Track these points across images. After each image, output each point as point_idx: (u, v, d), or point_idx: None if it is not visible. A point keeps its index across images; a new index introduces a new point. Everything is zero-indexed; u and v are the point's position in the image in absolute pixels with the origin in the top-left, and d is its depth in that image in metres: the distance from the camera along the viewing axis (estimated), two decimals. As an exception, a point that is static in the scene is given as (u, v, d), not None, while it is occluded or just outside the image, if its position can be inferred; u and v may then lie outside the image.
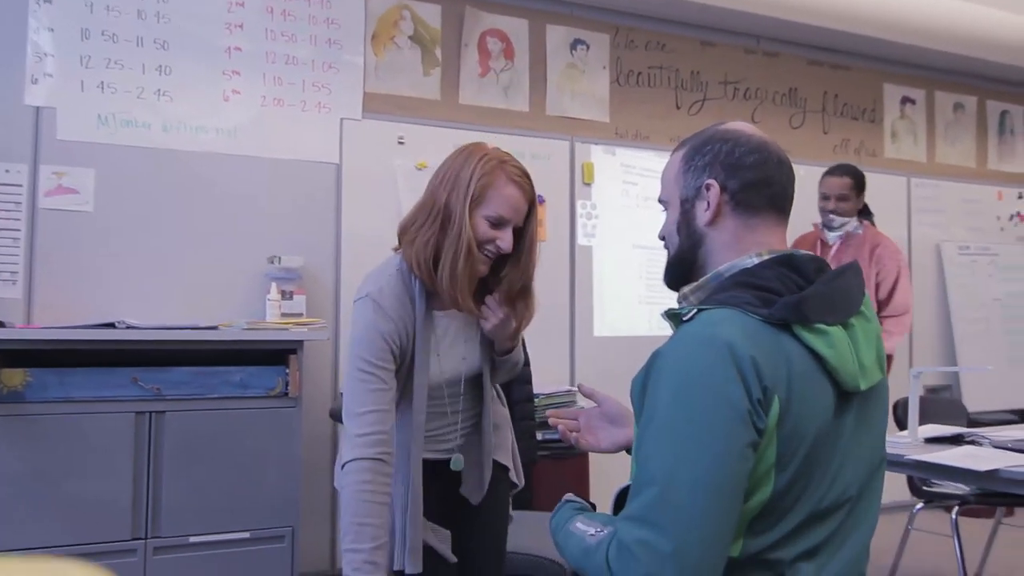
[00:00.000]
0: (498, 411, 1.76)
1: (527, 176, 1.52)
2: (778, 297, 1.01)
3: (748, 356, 0.95)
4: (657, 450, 0.97)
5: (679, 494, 0.94)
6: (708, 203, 1.12)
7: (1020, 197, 4.95)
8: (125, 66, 2.96)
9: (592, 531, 1.05)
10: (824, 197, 3.27)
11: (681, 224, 1.16)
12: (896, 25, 4.08)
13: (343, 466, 1.48)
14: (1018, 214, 4.94)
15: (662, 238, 1.21)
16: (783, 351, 0.98)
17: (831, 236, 3.29)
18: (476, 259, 1.47)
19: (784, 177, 1.13)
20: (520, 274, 1.54)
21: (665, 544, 0.92)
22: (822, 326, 1.01)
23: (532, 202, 1.53)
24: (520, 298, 1.57)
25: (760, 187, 1.11)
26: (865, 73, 4.49)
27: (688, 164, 1.15)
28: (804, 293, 1.02)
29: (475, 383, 1.67)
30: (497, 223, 1.48)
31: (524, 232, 1.54)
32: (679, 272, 1.18)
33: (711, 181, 1.12)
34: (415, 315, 1.54)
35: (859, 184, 3.25)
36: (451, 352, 1.62)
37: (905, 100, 4.61)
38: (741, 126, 1.15)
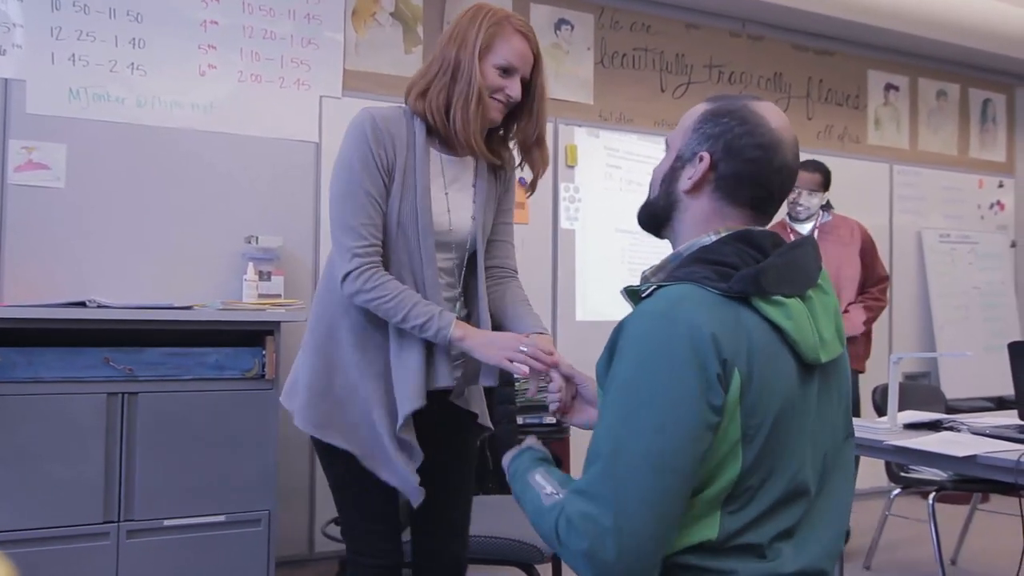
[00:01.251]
0: None
1: (531, 30, 1.57)
2: (735, 271, 1.02)
3: (706, 331, 0.95)
4: (609, 425, 0.98)
5: (624, 470, 0.94)
6: (694, 173, 1.11)
7: (1000, 186, 4.98)
8: (97, 38, 2.88)
9: (548, 490, 1.06)
10: (794, 191, 3.32)
11: (667, 176, 1.17)
12: (881, 11, 4.07)
13: (343, 279, 1.48)
14: (998, 203, 4.97)
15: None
16: (742, 324, 0.99)
17: (804, 228, 3.37)
18: (487, 105, 1.52)
19: (777, 184, 1.10)
20: (534, 124, 1.59)
21: (606, 519, 0.92)
22: (780, 298, 1.02)
23: (537, 54, 1.57)
24: (536, 147, 1.61)
25: (747, 183, 1.09)
26: (849, 59, 4.49)
27: (701, 124, 1.13)
28: (761, 265, 1.02)
29: (471, 264, 1.64)
30: (506, 70, 1.52)
31: (533, 84, 1.57)
32: (645, 217, 1.20)
33: (705, 154, 1.10)
34: (414, 146, 1.54)
35: (827, 181, 3.36)
36: (461, 203, 1.61)
37: (889, 87, 4.61)
38: (768, 114, 1.10)
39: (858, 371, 3.32)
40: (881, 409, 2.84)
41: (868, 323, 3.33)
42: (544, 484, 1.08)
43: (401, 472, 1.54)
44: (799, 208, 3.34)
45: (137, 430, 2.38)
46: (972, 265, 4.70)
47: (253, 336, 2.55)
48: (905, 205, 4.60)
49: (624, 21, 3.87)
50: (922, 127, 4.72)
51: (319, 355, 1.58)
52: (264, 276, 2.93)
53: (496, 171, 1.67)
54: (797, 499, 1.02)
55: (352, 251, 1.48)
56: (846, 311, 3.25)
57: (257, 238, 2.95)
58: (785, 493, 1.00)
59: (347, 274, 1.48)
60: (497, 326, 1.63)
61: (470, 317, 1.63)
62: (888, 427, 2.29)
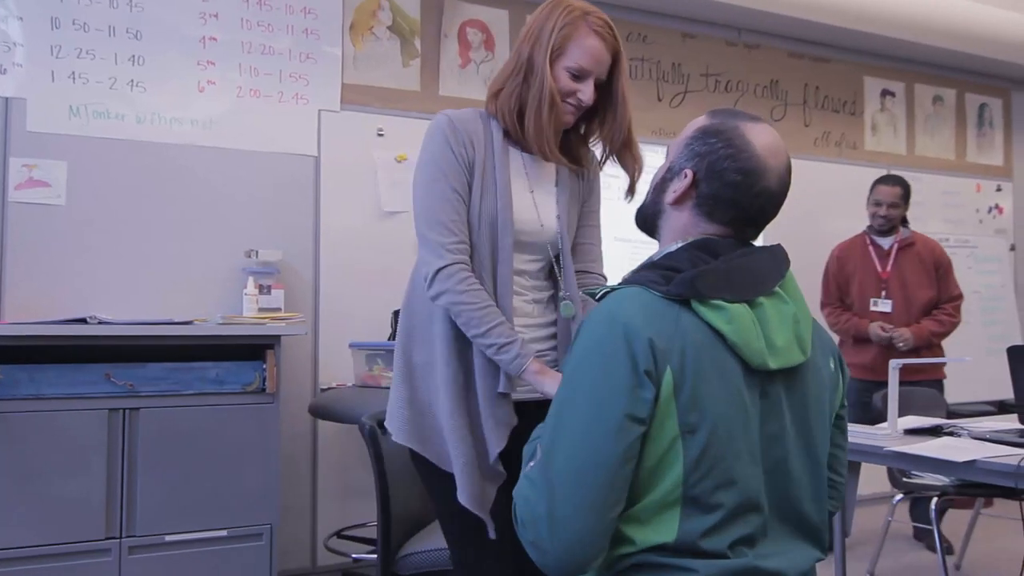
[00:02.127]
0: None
1: (611, 27, 1.49)
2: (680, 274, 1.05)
3: (638, 329, 1.00)
4: (551, 417, 1.05)
5: (556, 459, 1.00)
6: (678, 188, 1.14)
7: (998, 190, 4.99)
8: (97, 56, 2.90)
9: (531, 464, 1.08)
10: (876, 204, 3.44)
11: (657, 186, 1.20)
12: (876, 17, 4.08)
13: (433, 275, 1.42)
14: (996, 206, 4.98)
15: None
16: (680, 325, 1.02)
17: (885, 241, 3.46)
18: (560, 109, 1.46)
19: (756, 209, 1.11)
20: (618, 127, 1.53)
21: (540, 506, 1.00)
22: (720, 302, 1.03)
23: (616, 53, 1.50)
24: (626, 149, 1.55)
25: (726, 206, 1.11)
26: (845, 66, 4.50)
27: (692, 140, 1.14)
28: (700, 269, 1.05)
29: (550, 270, 1.57)
30: (578, 75, 1.46)
31: (613, 83, 1.51)
32: (638, 220, 1.24)
33: (689, 171, 1.12)
34: (492, 145, 1.49)
35: (907, 194, 3.44)
36: (546, 201, 1.55)
37: (885, 93, 4.63)
38: (757, 139, 1.10)
39: (939, 379, 3.43)
40: (883, 415, 2.84)
41: (938, 337, 3.38)
42: (536, 454, 1.09)
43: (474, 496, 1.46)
44: (880, 220, 3.43)
45: (138, 445, 2.38)
46: (971, 269, 4.69)
47: (254, 350, 2.55)
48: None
49: (621, 31, 3.82)
50: (919, 132, 4.73)
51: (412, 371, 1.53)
52: (264, 290, 2.94)
53: (579, 171, 1.61)
54: (753, 509, 1.03)
55: (444, 247, 1.42)
56: (919, 324, 3.34)
57: (257, 252, 2.96)
58: (741, 503, 1.01)
59: (439, 270, 1.42)
60: None
61: (575, 317, 1.57)
62: (888, 433, 2.29)
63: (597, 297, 1.11)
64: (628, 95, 1.53)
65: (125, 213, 2.90)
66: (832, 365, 1.18)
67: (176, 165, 2.98)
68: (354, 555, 2.94)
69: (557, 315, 1.58)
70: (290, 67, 3.18)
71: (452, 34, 3.50)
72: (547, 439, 1.04)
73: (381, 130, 3.32)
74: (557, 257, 1.58)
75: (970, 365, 3.38)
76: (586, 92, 1.47)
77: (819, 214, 4.16)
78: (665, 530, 1.00)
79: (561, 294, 1.56)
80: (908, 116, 4.70)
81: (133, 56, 2.95)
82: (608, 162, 1.61)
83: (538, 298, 1.57)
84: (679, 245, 1.13)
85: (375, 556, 2.86)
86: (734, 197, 1.10)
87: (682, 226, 1.15)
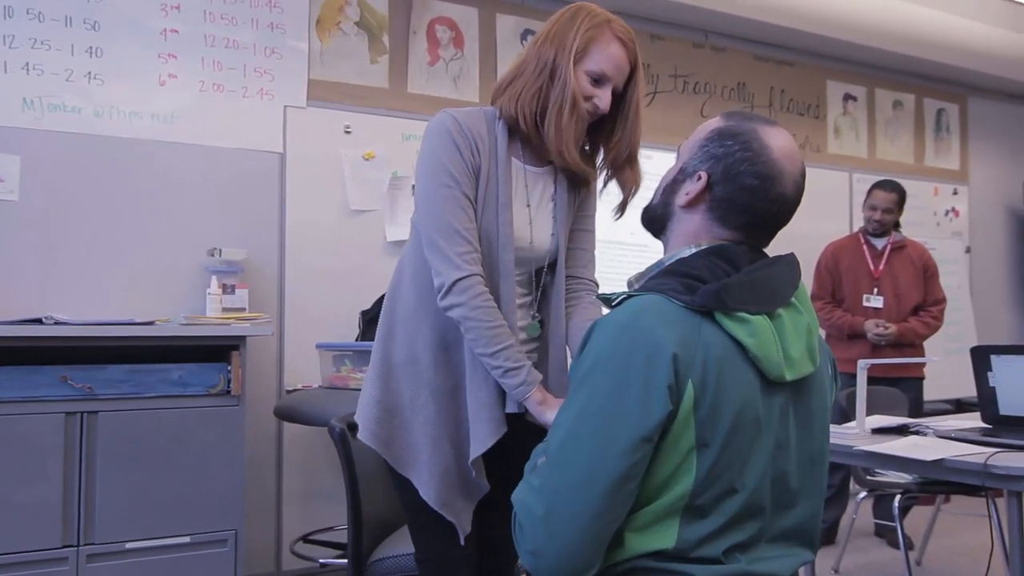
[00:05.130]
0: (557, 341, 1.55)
1: (632, 37, 1.46)
2: (703, 284, 1.03)
3: (661, 343, 0.97)
4: (559, 423, 1.02)
5: (562, 469, 0.99)
6: (691, 190, 1.11)
7: (955, 193, 5.11)
8: (52, 47, 2.80)
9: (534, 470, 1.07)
10: (872, 208, 3.58)
11: (668, 187, 1.17)
12: (838, 23, 4.16)
13: (449, 287, 1.37)
14: (953, 209, 5.10)
15: None
16: (701, 337, 1.00)
17: (880, 241, 3.60)
18: (582, 111, 1.42)
19: (770, 214, 1.09)
20: (627, 140, 1.49)
21: (538, 508, 0.99)
22: (744, 314, 1.02)
23: (635, 64, 1.47)
24: (628, 165, 1.52)
25: (740, 210, 1.09)
26: (809, 69, 4.57)
27: (707, 142, 1.12)
28: (726, 281, 1.03)
29: (549, 276, 1.54)
30: (598, 79, 1.43)
31: (628, 95, 1.48)
32: (645, 220, 1.22)
33: (704, 174, 1.10)
34: (496, 153, 1.45)
35: (902, 199, 3.58)
36: (543, 218, 1.52)
37: (847, 97, 4.71)
38: (774, 142, 1.09)
39: (920, 377, 3.56)
40: (848, 414, 2.88)
41: (920, 339, 3.53)
42: (535, 465, 1.08)
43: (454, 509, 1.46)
44: (874, 224, 3.56)
45: (97, 450, 2.31)
46: (930, 271, 4.79)
47: (218, 351, 2.49)
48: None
49: (589, 31, 3.88)
50: (880, 136, 4.82)
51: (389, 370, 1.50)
52: (228, 289, 2.87)
53: (577, 181, 1.56)
54: (753, 517, 1.03)
55: (461, 256, 1.38)
56: (906, 323, 3.47)
57: (220, 251, 2.89)
58: (742, 510, 1.01)
59: (456, 281, 1.37)
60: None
61: (544, 328, 1.56)
62: (857, 432, 2.31)
63: (613, 303, 1.08)
64: (642, 107, 1.50)
65: (82, 210, 2.81)
66: (829, 370, 1.18)
67: (136, 160, 2.90)
68: (321, 560, 2.89)
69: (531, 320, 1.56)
70: (255, 61, 3.11)
71: (421, 31, 3.46)
72: (554, 446, 1.01)
73: (348, 127, 3.26)
74: (539, 271, 1.56)
75: (928, 364, 3.47)
76: (604, 99, 1.43)
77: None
78: (664, 537, 0.99)
79: (533, 312, 1.55)
80: (869, 120, 4.78)
81: (91, 48, 2.85)
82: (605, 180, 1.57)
83: (520, 303, 1.54)
84: (693, 251, 1.10)
85: (343, 561, 2.83)
86: (750, 202, 1.08)
87: (693, 229, 1.12)
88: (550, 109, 1.42)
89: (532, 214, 1.51)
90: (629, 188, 1.54)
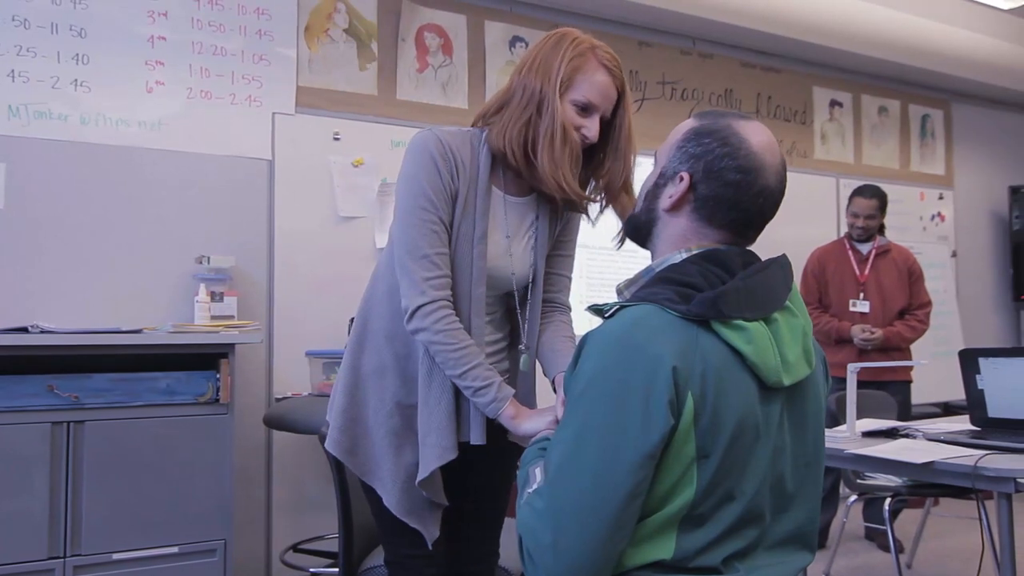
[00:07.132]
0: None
1: (618, 63, 1.44)
2: (698, 292, 1.01)
3: (661, 356, 0.95)
4: (560, 440, 1.00)
5: (564, 489, 0.96)
6: (674, 192, 1.10)
7: (940, 198, 5.15)
8: (39, 54, 2.78)
9: (533, 487, 1.04)
10: (854, 215, 3.61)
11: (649, 193, 1.15)
12: (824, 29, 4.19)
13: (413, 312, 1.37)
14: (939, 214, 5.14)
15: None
16: (699, 347, 0.98)
17: (864, 247, 3.63)
18: (574, 141, 1.39)
19: (756, 208, 1.08)
20: (621, 166, 1.46)
21: (545, 535, 0.96)
22: (740, 322, 1.00)
23: (622, 90, 1.44)
24: (624, 192, 1.49)
25: (726, 206, 1.07)
26: (796, 76, 4.60)
27: (684, 143, 1.11)
28: (721, 289, 1.01)
29: (524, 304, 1.54)
30: (585, 109, 1.40)
31: (617, 122, 1.45)
32: (630, 230, 1.20)
33: (685, 174, 1.09)
34: (477, 181, 1.43)
35: (884, 205, 3.61)
36: (520, 248, 1.51)
37: (834, 103, 4.74)
38: (753, 136, 1.07)
39: (908, 381, 3.58)
40: (837, 418, 2.89)
41: (907, 342, 3.55)
42: (533, 480, 1.06)
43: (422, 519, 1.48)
44: (858, 231, 3.59)
45: (84, 460, 2.28)
46: (916, 275, 4.82)
47: (206, 359, 2.47)
48: (852, 218, 4.71)
49: (577, 38, 3.89)
50: (866, 142, 4.86)
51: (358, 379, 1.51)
52: (216, 297, 2.85)
53: (558, 208, 1.53)
54: (752, 523, 1.02)
55: (428, 282, 1.37)
56: (892, 326, 3.50)
57: (209, 258, 2.87)
58: (741, 517, 1.00)
59: (419, 307, 1.37)
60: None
61: (513, 343, 1.57)
62: (848, 435, 2.32)
63: (606, 314, 1.05)
64: (633, 131, 1.47)
65: (69, 217, 2.79)
66: (822, 370, 1.18)
67: (123, 168, 2.88)
68: (312, 569, 2.86)
69: (505, 333, 1.57)
70: (243, 68, 3.10)
71: (409, 38, 3.46)
72: (555, 465, 0.99)
73: (337, 134, 3.26)
74: (517, 293, 1.55)
75: (916, 368, 3.49)
76: (592, 128, 1.41)
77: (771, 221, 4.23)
78: (662, 548, 0.98)
79: (521, 346, 1.55)
80: (855, 126, 4.82)
81: (77, 55, 2.84)
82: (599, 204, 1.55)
83: (490, 319, 1.54)
84: (683, 256, 1.09)
85: (333, 570, 2.80)
86: (735, 197, 1.06)
87: (681, 232, 1.10)
88: (541, 141, 1.38)
89: (511, 245, 1.50)
90: (626, 215, 1.50)
